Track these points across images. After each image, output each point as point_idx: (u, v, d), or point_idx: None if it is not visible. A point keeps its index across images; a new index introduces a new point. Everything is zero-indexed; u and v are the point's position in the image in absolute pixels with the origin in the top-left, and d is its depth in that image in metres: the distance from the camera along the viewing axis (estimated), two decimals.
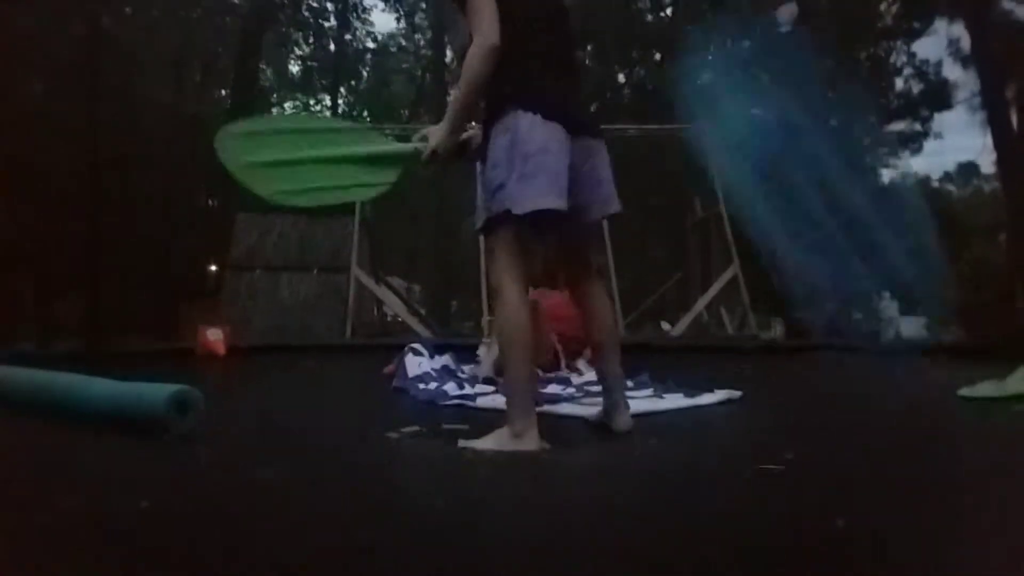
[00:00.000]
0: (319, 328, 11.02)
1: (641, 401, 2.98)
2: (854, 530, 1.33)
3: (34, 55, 14.17)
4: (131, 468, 1.88)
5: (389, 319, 13.49)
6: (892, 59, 22.31)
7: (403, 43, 28.63)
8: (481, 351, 4.35)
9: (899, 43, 22.07)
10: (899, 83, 22.53)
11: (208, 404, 2.25)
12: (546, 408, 2.75)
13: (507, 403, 2.24)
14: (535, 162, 2.20)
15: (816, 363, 5.64)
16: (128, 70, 16.07)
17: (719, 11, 20.36)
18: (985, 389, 3.17)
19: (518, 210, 2.20)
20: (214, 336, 6.11)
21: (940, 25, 20.41)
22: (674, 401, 3.11)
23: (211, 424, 2.25)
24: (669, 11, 23.14)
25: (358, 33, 26.75)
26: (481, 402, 3.22)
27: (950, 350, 6.64)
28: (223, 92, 24.47)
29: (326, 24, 25.33)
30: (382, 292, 11.37)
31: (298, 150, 2.48)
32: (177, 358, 5.95)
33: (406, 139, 2.60)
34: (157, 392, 2.22)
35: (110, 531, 1.15)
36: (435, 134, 2.44)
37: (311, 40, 25.57)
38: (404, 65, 28.70)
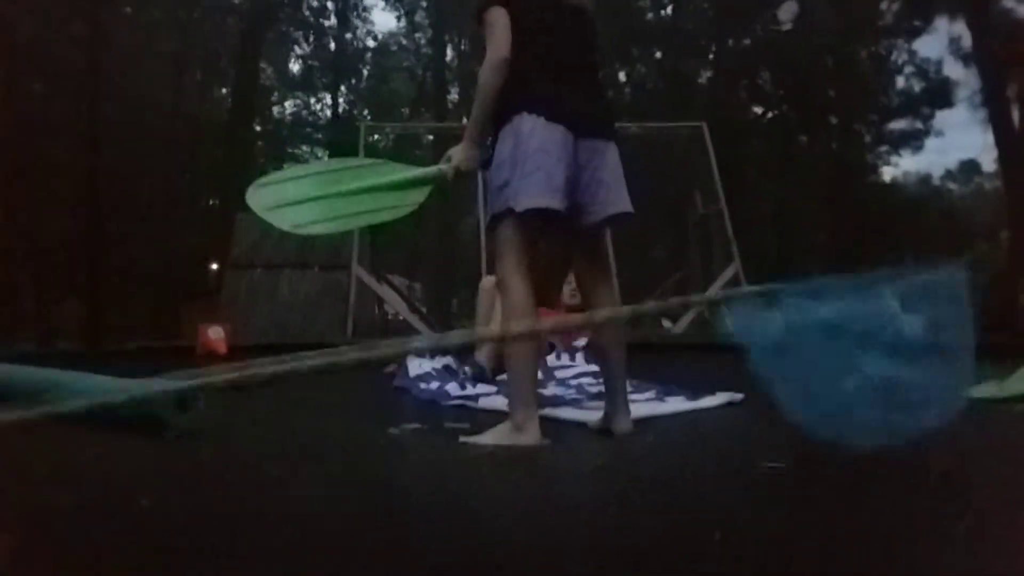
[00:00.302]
0: (320, 326, 11.02)
1: (642, 404, 2.97)
2: (854, 530, 1.33)
3: (34, 55, 14.17)
4: (132, 466, 1.88)
5: (390, 317, 13.49)
6: (893, 57, 22.29)
7: (403, 42, 28.61)
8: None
9: (900, 41, 22.05)
10: (900, 81, 22.52)
11: (208, 403, 2.25)
12: (547, 411, 2.74)
13: (509, 394, 2.30)
14: (534, 162, 2.28)
15: None
16: (128, 70, 16.06)
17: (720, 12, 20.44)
18: (986, 389, 3.16)
19: (518, 208, 2.28)
20: (215, 335, 6.12)
21: (941, 23, 20.39)
22: (675, 404, 3.09)
23: (211, 423, 2.25)
24: (670, 9, 23.16)
25: (358, 32, 26.75)
26: (483, 403, 3.21)
27: None
28: (224, 91, 24.48)
29: (326, 23, 25.34)
30: (383, 290, 11.37)
31: (323, 188, 2.51)
32: (178, 357, 5.95)
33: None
34: (158, 389, 2.22)
35: (110, 530, 1.15)
36: (457, 152, 2.50)
37: (311, 39, 25.56)
38: (404, 64, 28.66)
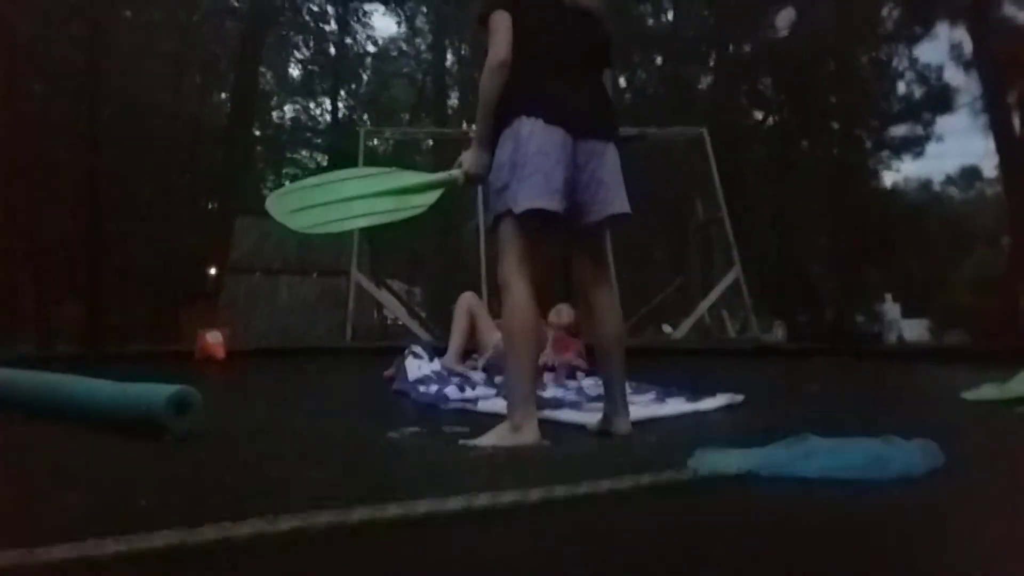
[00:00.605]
0: (319, 331, 11.00)
1: (642, 406, 2.96)
2: (854, 532, 1.32)
3: (35, 57, 14.19)
4: (131, 468, 1.87)
5: (389, 322, 13.47)
6: (894, 63, 22.32)
7: (404, 47, 28.65)
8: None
9: (901, 47, 22.08)
10: (901, 87, 22.56)
11: (208, 406, 2.24)
12: (547, 414, 2.73)
13: (508, 394, 2.32)
14: (531, 165, 2.30)
15: (818, 366, 5.63)
16: (128, 72, 16.08)
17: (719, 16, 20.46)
18: (987, 392, 3.16)
19: (517, 209, 2.31)
20: (213, 339, 6.09)
21: (942, 29, 20.42)
22: (676, 406, 3.09)
23: (211, 425, 2.25)
24: (671, 15, 23.20)
25: (359, 36, 26.76)
26: (482, 406, 3.20)
27: (953, 353, 6.64)
28: (223, 95, 24.50)
29: (327, 27, 25.35)
30: (382, 295, 11.35)
31: (338, 193, 2.63)
32: (177, 361, 5.94)
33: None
34: (157, 393, 2.21)
35: (110, 530, 1.14)
36: (467, 157, 2.55)
37: (311, 43, 25.57)
38: (405, 69, 28.70)
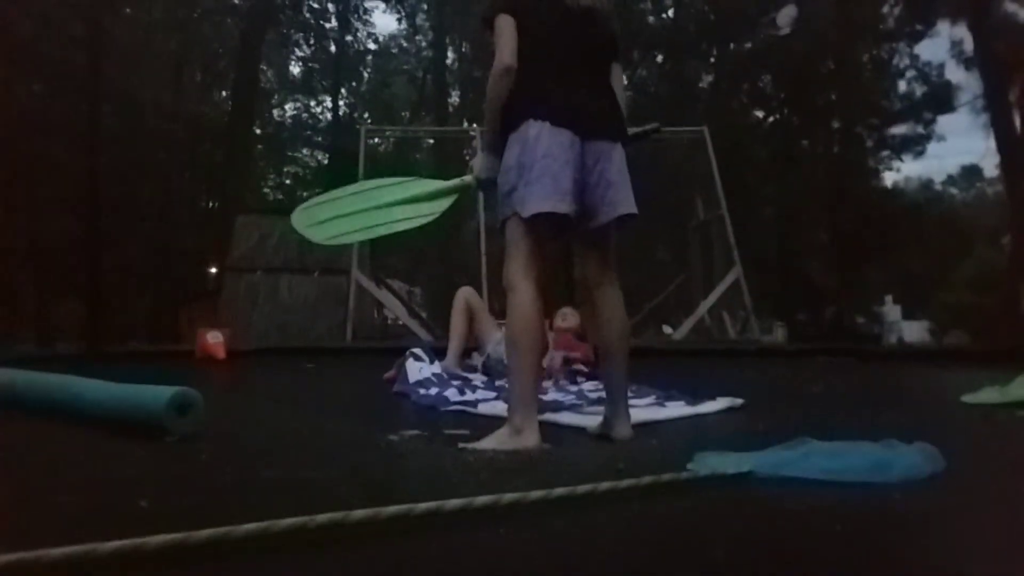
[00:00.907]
0: (319, 331, 11.00)
1: (643, 410, 2.95)
2: (854, 533, 1.33)
3: (34, 56, 14.18)
4: (131, 468, 1.87)
5: (390, 322, 13.48)
6: (895, 61, 22.31)
7: (404, 44, 28.65)
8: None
9: (902, 45, 22.07)
10: (902, 85, 22.54)
11: (208, 406, 2.25)
12: (547, 416, 2.73)
13: (509, 396, 2.31)
14: (539, 167, 2.30)
15: (819, 368, 5.63)
16: (128, 71, 16.07)
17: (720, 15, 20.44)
18: (988, 395, 3.16)
19: (524, 213, 2.31)
20: (214, 339, 6.09)
21: (943, 27, 20.40)
22: (676, 409, 3.08)
23: (211, 425, 2.25)
24: (671, 12, 23.17)
25: (359, 34, 26.78)
26: (482, 408, 3.20)
27: (953, 355, 6.64)
28: (223, 93, 24.50)
29: (327, 25, 25.34)
30: (382, 295, 11.36)
31: (358, 204, 2.75)
32: (177, 361, 5.94)
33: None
34: (157, 393, 2.21)
35: (110, 531, 1.14)
36: (477, 162, 2.62)
37: (312, 41, 25.57)
38: (405, 67, 28.71)
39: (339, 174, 20.65)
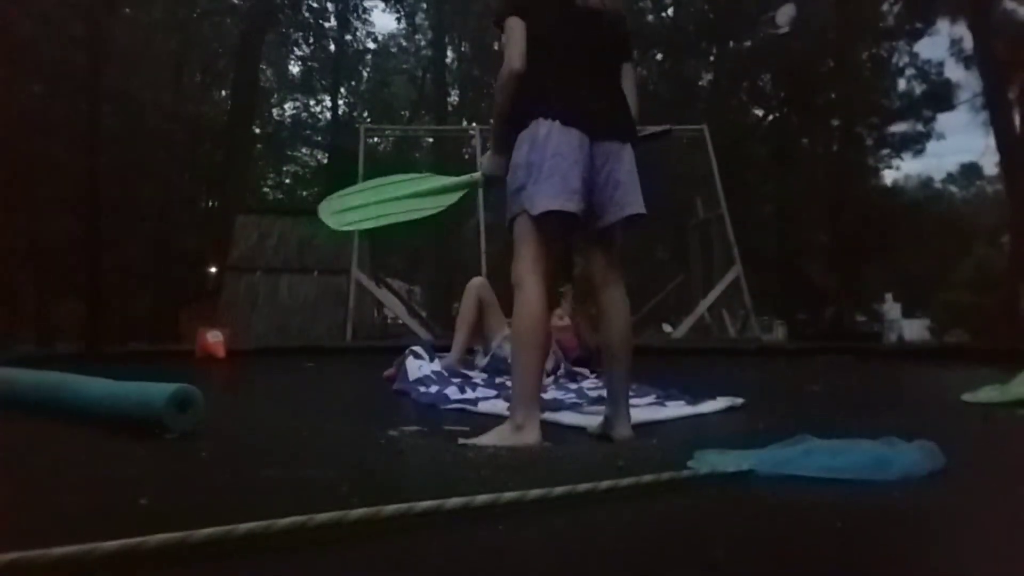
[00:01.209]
0: (319, 330, 11.00)
1: (643, 409, 2.95)
2: (854, 532, 1.32)
3: (35, 56, 14.18)
4: (131, 467, 1.87)
5: (389, 321, 13.48)
6: (894, 60, 22.31)
7: (403, 43, 28.66)
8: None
9: (901, 44, 22.06)
10: (901, 84, 22.55)
11: (208, 405, 2.24)
12: (548, 415, 2.73)
13: (512, 393, 2.33)
14: (549, 166, 2.32)
15: (819, 366, 5.62)
16: (128, 71, 16.07)
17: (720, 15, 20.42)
18: (988, 394, 3.15)
19: (533, 211, 2.33)
20: (213, 338, 6.08)
21: (942, 25, 20.41)
22: (676, 409, 3.08)
23: (211, 424, 2.24)
24: (671, 11, 23.18)
25: (358, 34, 26.80)
26: (482, 406, 3.20)
27: (953, 353, 6.63)
28: (223, 93, 24.50)
29: (326, 24, 25.34)
30: (382, 294, 11.35)
31: (374, 196, 2.97)
32: (177, 360, 5.94)
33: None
34: (157, 391, 2.21)
35: (110, 530, 1.14)
36: (486, 160, 2.68)
37: (311, 40, 25.58)
38: (404, 66, 28.71)
39: (339, 173, 20.67)
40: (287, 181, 30.20)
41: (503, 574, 1.18)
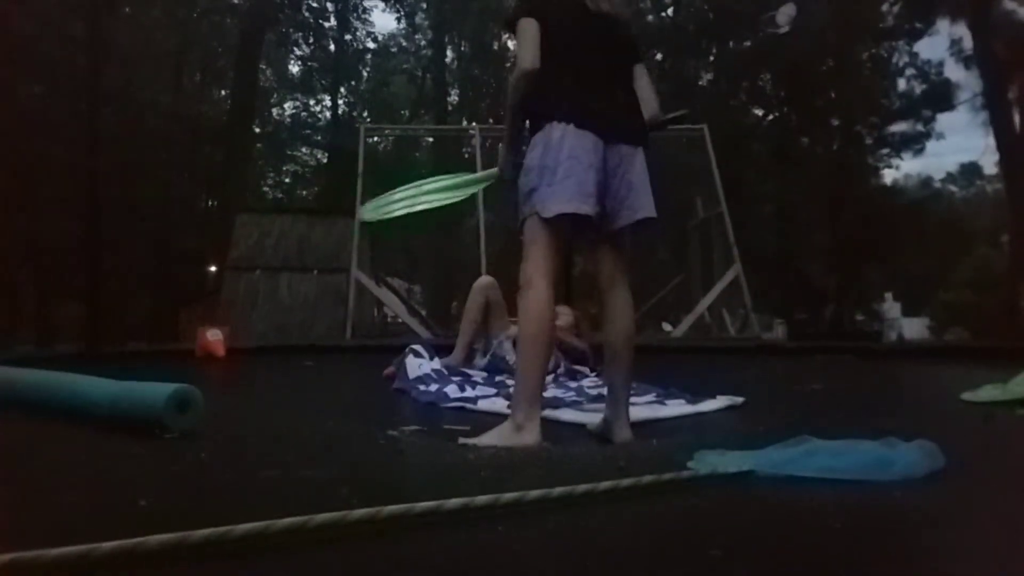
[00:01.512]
0: (319, 329, 11.00)
1: (643, 408, 2.95)
2: (854, 532, 1.33)
3: (35, 56, 14.17)
4: (130, 467, 1.87)
5: (389, 320, 13.48)
6: (894, 59, 22.30)
7: (403, 43, 28.65)
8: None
9: (901, 43, 22.06)
10: (901, 83, 22.55)
11: (208, 404, 2.24)
12: (547, 413, 2.73)
13: (514, 392, 2.34)
14: (563, 169, 2.33)
15: (819, 365, 5.62)
16: (128, 71, 16.06)
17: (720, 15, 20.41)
18: (988, 393, 3.15)
19: (546, 214, 2.34)
20: (213, 336, 6.08)
21: (942, 25, 20.41)
22: (676, 408, 3.08)
23: (211, 424, 2.24)
24: (671, 11, 23.17)
25: (358, 33, 26.79)
26: (482, 405, 3.20)
27: (953, 352, 6.63)
28: (223, 92, 24.49)
29: (326, 24, 25.34)
30: (382, 293, 11.36)
31: (411, 192, 3.35)
32: (176, 359, 5.93)
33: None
34: (157, 391, 2.21)
35: (109, 530, 1.14)
36: (501, 163, 2.75)
37: (311, 40, 25.57)
38: (404, 65, 28.70)
39: (339, 173, 20.67)
40: (287, 181, 30.20)
41: (503, 574, 1.19)
